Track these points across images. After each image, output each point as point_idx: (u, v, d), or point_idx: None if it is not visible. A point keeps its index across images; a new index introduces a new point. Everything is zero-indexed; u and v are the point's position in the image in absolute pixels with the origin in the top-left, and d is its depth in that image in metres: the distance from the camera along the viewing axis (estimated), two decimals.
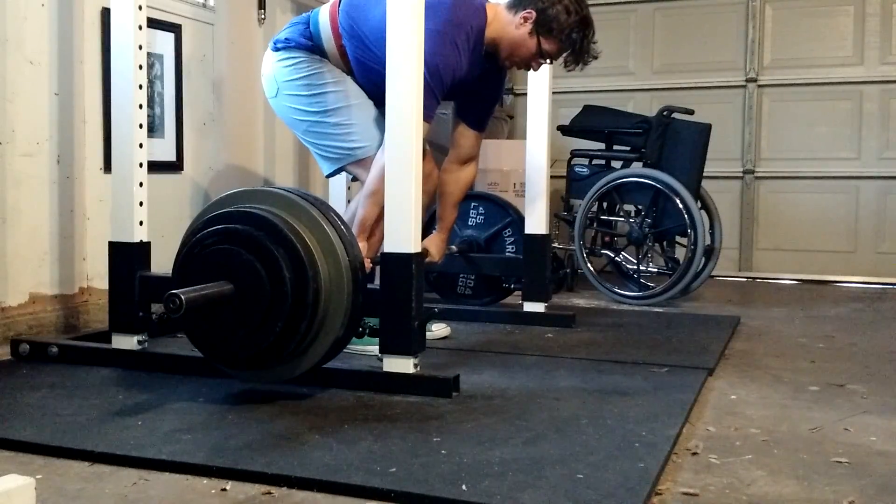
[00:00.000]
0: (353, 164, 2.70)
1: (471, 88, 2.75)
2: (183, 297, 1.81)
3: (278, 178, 3.85)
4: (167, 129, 3.20)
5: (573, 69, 2.78)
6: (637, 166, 3.99)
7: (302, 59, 2.67)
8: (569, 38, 2.66)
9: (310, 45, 2.68)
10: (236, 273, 1.94)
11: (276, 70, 2.70)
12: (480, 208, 3.49)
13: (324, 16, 2.68)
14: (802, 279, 4.80)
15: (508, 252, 3.42)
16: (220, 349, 2.01)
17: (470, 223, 3.49)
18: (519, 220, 3.35)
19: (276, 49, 2.71)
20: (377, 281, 2.25)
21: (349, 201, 3.15)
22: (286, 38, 2.70)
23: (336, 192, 3.52)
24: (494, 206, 3.48)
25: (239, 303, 1.94)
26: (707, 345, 2.77)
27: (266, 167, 3.77)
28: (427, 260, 2.67)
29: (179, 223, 3.24)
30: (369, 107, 2.67)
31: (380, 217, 2.49)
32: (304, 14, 2.77)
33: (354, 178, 2.84)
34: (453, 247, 3.32)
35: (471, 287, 3.49)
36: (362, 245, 2.48)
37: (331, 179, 3.27)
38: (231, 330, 1.96)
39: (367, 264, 2.30)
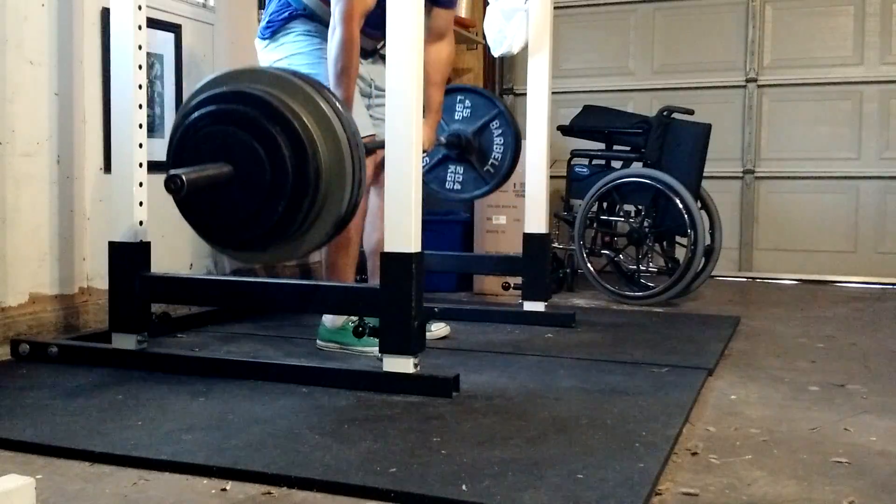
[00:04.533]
0: None
1: None
2: (184, 177, 1.78)
3: None
4: (167, 129, 3.19)
5: None
6: (637, 166, 3.99)
7: (290, 32, 2.66)
8: None
9: (292, 13, 2.66)
10: (235, 154, 1.90)
11: (268, 60, 2.70)
12: (467, 101, 3.42)
13: None
14: (802, 279, 4.80)
15: (497, 145, 3.38)
16: (223, 233, 1.97)
17: (456, 117, 3.43)
18: (507, 111, 3.32)
19: (264, 38, 2.72)
20: (377, 280, 2.25)
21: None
22: (268, 22, 2.70)
23: None
24: (481, 99, 3.42)
25: (239, 184, 1.90)
26: (707, 345, 2.77)
27: None
28: None
29: (179, 223, 3.23)
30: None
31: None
32: None
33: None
34: (442, 138, 3.29)
35: (458, 182, 3.45)
36: None
37: None
38: (233, 212, 1.92)
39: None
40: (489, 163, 3.37)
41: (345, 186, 1.99)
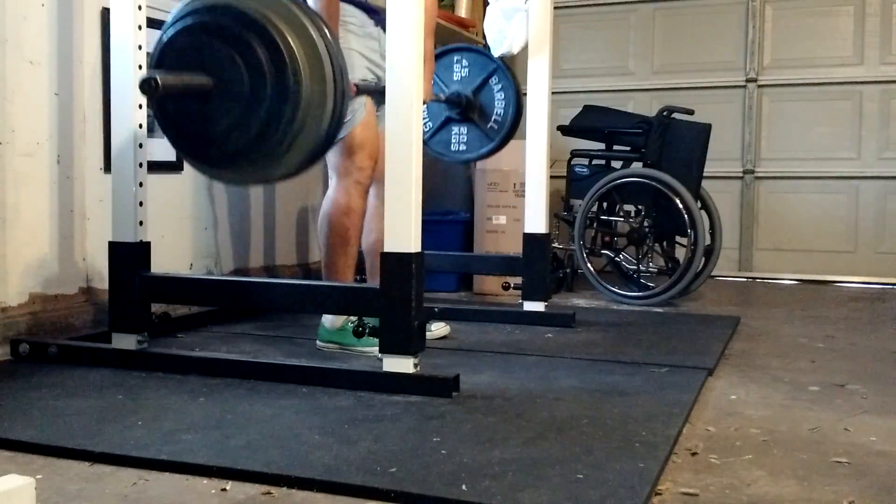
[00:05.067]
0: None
1: None
2: (159, 78, 1.78)
3: None
4: None
5: None
6: (637, 166, 3.99)
7: None
8: None
9: None
10: (213, 66, 1.91)
11: None
12: (463, 60, 3.42)
13: None
14: (802, 279, 4.80)
15: (498, 101, 3.36)
16: (205, 147, 1.98)
17: (455, 77, 3.43)
18: (504, 66, 3.32)
19: None
20: (376, 280, 2.25)
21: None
22: None
23: None
24: (477, 56, 3.42)
25: (219, 95, 1.91)
26: (707, 345, 2.77)
27: None
28: None
29: (179, 223, 3.24)
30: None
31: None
32: None
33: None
34: (441, 95, 3.29)
35: (463, 143, 3.46)
36: None
37: None
38: (214, 125, 1.92)
39: (351, 89, 2.36)
40: (492, 119, 3.37)
41: (325, 107, 1.98)
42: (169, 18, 2.07)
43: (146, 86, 1.79)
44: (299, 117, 1.95)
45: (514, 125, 3.33)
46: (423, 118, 3.42)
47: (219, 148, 1.96)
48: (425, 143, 3.47)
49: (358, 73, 2.64)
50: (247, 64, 1.89)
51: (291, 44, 1.93)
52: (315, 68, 1.96)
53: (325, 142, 2.05)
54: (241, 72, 1.89)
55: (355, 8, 2.69)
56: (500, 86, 3.36)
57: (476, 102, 3.37)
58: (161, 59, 1.99)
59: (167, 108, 2.02)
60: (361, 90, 2.58)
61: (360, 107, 2.64)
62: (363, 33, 2.69)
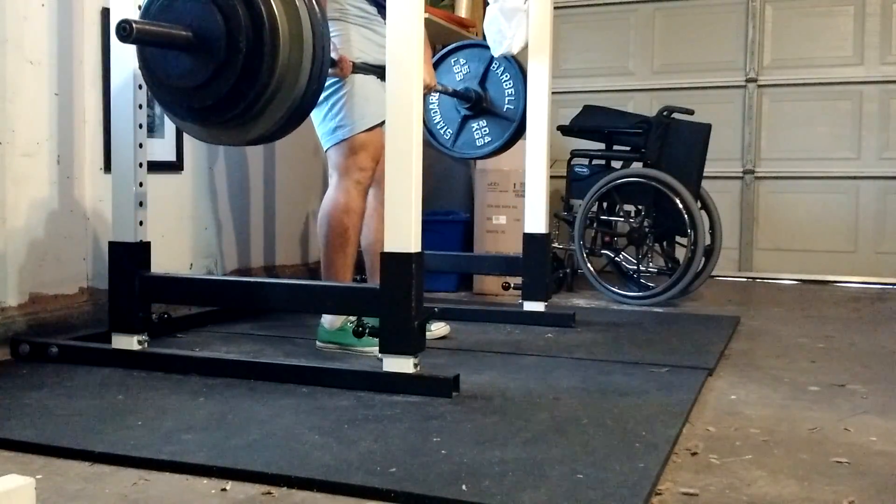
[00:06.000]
0: (332, 148, 2.67)
1: None
2: (134, 24, 1.85)
3: (278, 177, 3.85)
4: (167, 129, 3.20)
5: None
6: (637, 166, 3.99)
7: None
8: None
9: None
10: (196, 22, 1.98)
11: None
12: (460, 59, 3.46)
13: None
14: (802, 279, 4.80)
15: (506, 84, 3.37)
16: (182, 98, 2.04)
17: (458, 78, 3.47)
18: None
19: None
20: (376, 280, 2.25)
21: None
22: None
23: None
24: (470, 49, 3.46)
25: (198, 49, 1.97)
26: (707, 345, 2.77)
27: (266, 166, 3.78)
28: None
29: (179, 223, 3.24)
30: (369, 81, 2.64)
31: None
32: None
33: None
34: (449, 87, 3.31)
35: (487, 135, 3.47)
36: None
37: None
38: (191, 77, 1.99)
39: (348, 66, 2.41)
40: (506, 103, 3.39)
41: (302, 68, 2.01)
42: None
43: (121, 30, 1.84)
44: (276, 77, 1.99)
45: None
46: (441, 126, 3.45)
47: (194, 100, 2.02)
48: (451, 149, 3.51)
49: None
50: (225, 19, 1.95)
51: (274, 9, 1.99)
52: (294, 29, 2.01)
53: (302, 105, 2.09)
54: (219, 26, 1.95)
55: (367, 3, 2.69)
56: (502, 69, 3.40)
57: (486, 92, 3.41)
58: (148, 9, 2.08)
59: (147, 58, 2.11)
60: (359, 68, 2.58)
61: (369, 116, 2.62)
62: (366, 25, 2.67)
